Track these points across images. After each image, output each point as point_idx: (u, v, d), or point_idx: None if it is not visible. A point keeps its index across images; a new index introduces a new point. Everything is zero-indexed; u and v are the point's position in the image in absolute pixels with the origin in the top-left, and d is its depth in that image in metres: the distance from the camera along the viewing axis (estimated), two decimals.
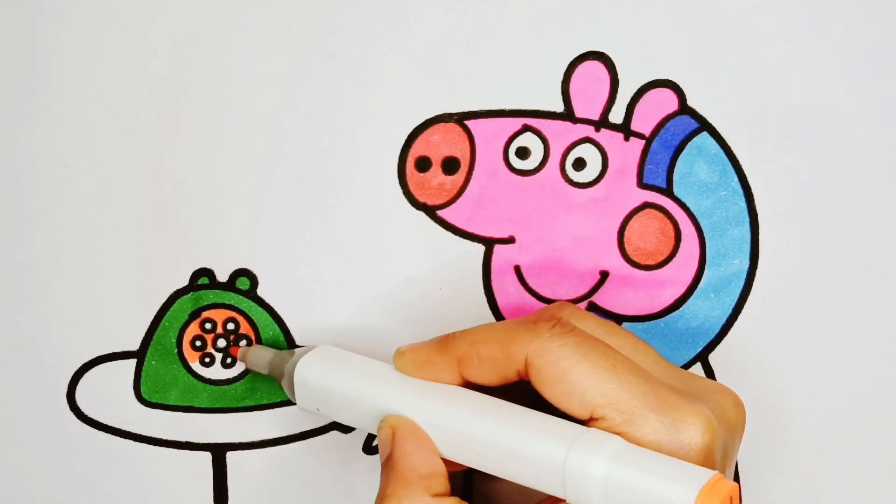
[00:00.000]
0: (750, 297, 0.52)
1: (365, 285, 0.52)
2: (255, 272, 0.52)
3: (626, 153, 0.51)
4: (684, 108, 0.51)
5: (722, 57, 0.51)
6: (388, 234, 0.51)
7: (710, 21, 0.50)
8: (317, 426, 0.53)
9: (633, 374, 0.44)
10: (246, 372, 0.52)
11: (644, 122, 0.51)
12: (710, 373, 0.53)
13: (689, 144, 0.51)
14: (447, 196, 0.51)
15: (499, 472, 0.44)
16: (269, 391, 0.52)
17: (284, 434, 0.53)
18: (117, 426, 0.52)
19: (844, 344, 0.53)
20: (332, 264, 0.51)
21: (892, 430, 0.53)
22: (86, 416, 0.52)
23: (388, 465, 0.45)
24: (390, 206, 0.51)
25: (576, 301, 0.52)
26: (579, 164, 0.51)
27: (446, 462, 0.45)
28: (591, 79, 0.51)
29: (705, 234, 0.52)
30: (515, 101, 0.51)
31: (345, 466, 0.53)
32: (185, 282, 0.51)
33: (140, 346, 0.52)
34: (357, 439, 0.53)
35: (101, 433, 0.52)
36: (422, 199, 0.51)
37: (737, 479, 0.53)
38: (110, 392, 0.52)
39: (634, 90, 0.51)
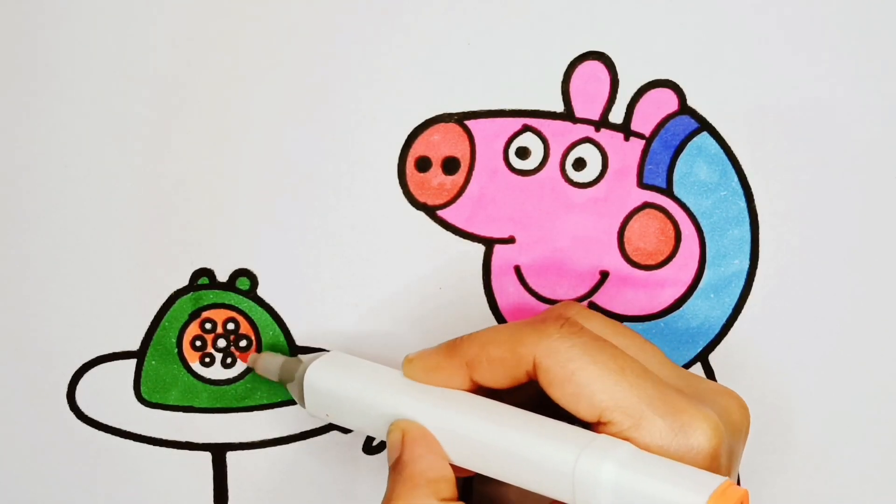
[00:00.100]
0: (750, 297, 0.52)
1: (365, 285, 0.52)
2: (255, 272, 0.52)
3: (626, 153, 0.51)
4: (684, 108, 0.51)
5: (722, 57, 0.51)
6: (388, 234, 0.51)
7: (710, 21, 0.50)
8: (317, 426, 0.53)
9: (640, 377, 0.43)
10: (246, 372, 0.52)
11: (644, 122, 0.51)
12: (710, 373, 0.53)
13: (689, 144, 0.51)
14: (447, 196, 0.51)
15: (507, 478, 0.44)
16: (269, 391, 0.52)
17: (284, 434, 0.53)
18: (117, 426, 0.52)
19: (844, 344, 0.53)
20: (332, 264, 0.51)
21: (892, 430, 0.53)
22: (86, 416, 0.52)
23: (396, 469, 0.45)
24: (390, 206, 0.51)
25: (576, 301, 0.52)
26: (579, 164, 0.51)
27: (453, 468, 0.45)
28: (591, 79, 0.51)
29: (705, 234, 0.52)
30: (515, 101, 0.51)
31: (345, 466, 0.53)
32: (185, 282, 0.51)
33: (140, 346, 0.52)
34: (357, 439, 0.53)
35: (101, 433, 0.52)
36: (422, 199, 0.51)
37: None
38: (110, 392, 0.52)
39: (634, 90, 0.51)
